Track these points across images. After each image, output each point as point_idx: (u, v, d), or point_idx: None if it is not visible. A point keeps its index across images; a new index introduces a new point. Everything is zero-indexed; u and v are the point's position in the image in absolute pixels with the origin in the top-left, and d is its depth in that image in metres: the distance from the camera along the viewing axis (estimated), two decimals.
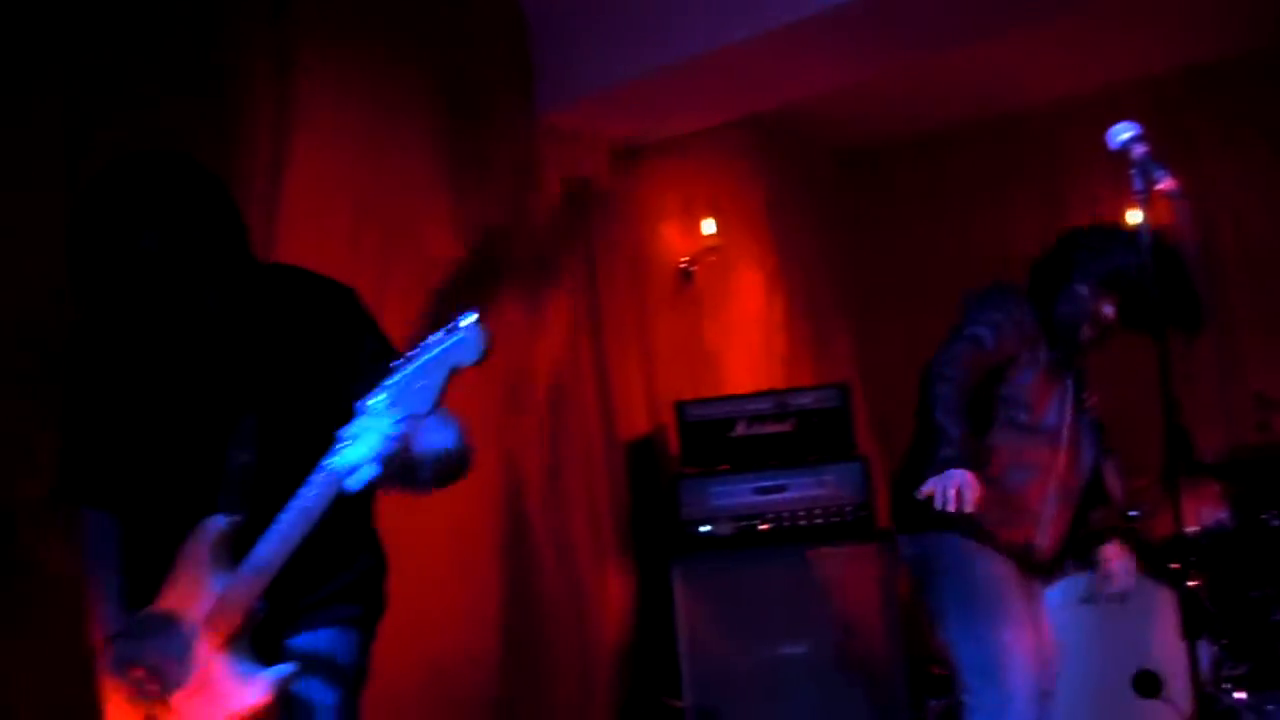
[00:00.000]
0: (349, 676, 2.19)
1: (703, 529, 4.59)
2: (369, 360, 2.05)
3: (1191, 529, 4.47)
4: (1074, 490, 3.24)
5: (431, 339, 1.88)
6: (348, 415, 1.93)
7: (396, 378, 1.88)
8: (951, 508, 2.72)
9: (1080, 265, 3.11)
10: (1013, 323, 3.06)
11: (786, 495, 4.59)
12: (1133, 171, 2.45)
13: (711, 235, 5.31)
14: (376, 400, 1.88)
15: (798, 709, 4.40)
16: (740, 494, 4.62)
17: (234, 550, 2.04)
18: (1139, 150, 2.47)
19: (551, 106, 4.66)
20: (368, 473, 1.90)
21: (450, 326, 1.87)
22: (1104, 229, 3.28)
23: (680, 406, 4.80)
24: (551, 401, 4.52)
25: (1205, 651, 3.91)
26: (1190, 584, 4.11)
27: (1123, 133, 2.48)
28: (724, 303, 5.38)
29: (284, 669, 2.02)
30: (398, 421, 1.87)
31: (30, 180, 2.95)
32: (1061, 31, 4.87)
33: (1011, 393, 3.11)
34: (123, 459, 2.19)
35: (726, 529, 4.59)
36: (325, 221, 3.67)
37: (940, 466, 2.81)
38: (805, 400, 4.71)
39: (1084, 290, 3.11)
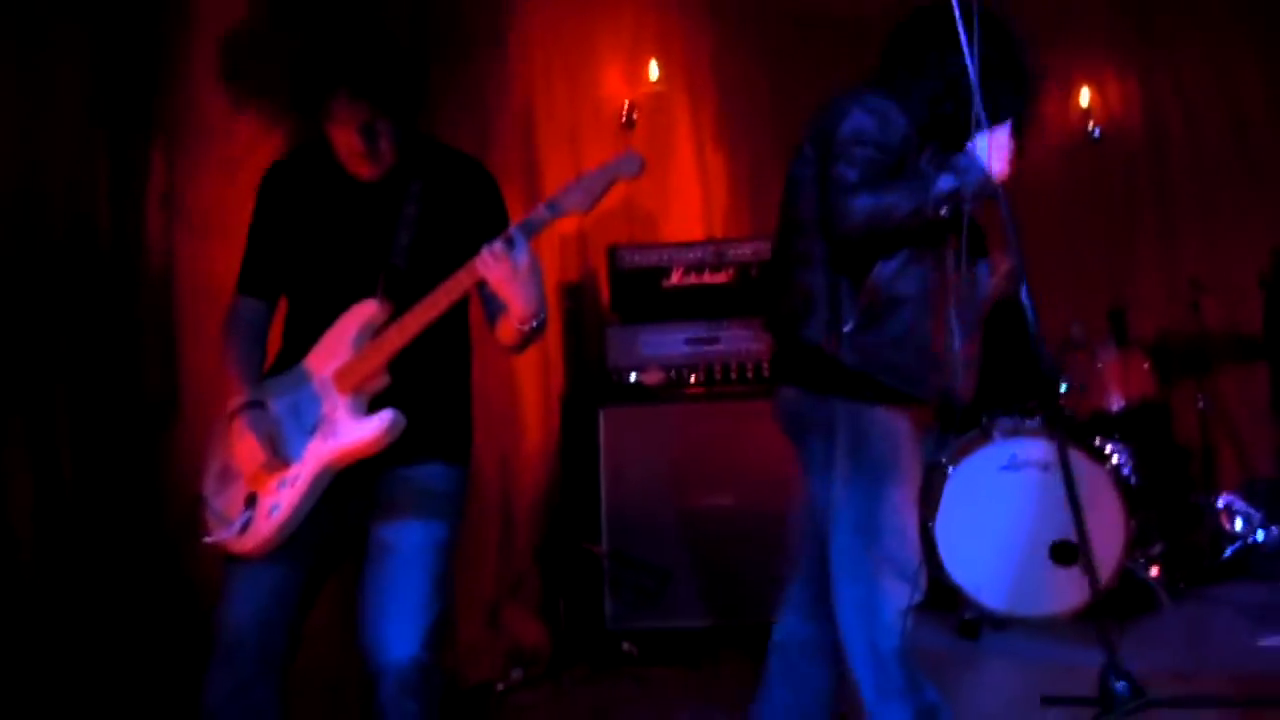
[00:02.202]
0: (459, 509, 2.59)
1: (631, 377, 4.49)
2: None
3: (1118, 404, 4.46)
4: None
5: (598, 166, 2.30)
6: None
7: (560, 190, 2.31)
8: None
9: None
10: None
11: (718, 348, 4.49)
12: None
13: (656, 80, 5.10)
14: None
15: (717, 561, 4.35)
16: (671, 344, 4.52)
17: (378, 331, 2.42)
18: None
19: None
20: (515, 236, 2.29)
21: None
22: None
23: (613, 252, 4.65)
24: None
25: (1125, 526, 3.89)
26: (1113, 459, 4.08)
27: None
28: (665, 151, 5.18)
29: (390, 413, 2.36)
30: (556, 213, 2.30)
31: None
32: None
33: None
34: (291, 261, 2.56)
35: (655, 378, 4.49)
36: None
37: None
38: (744, 251, 4.56)
39: None
